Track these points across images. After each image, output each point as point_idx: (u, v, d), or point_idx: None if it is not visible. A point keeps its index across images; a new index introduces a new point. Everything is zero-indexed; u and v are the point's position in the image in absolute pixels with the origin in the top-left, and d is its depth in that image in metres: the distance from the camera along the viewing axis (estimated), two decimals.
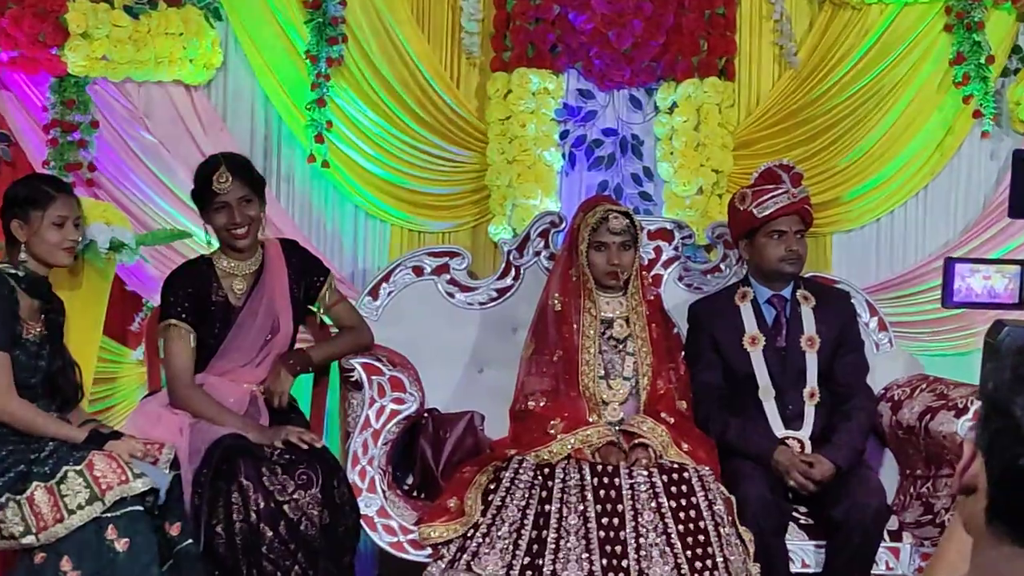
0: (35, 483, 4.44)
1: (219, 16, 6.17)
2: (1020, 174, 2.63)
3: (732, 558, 4.83)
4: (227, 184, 4.98)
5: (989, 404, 1.76)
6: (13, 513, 4.42)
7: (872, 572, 5.13)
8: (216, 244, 5.17)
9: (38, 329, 4.73)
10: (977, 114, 6.44)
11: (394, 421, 5.14)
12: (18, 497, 4.43)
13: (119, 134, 6.17)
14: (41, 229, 4.70)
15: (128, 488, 4.47)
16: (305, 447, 4.74)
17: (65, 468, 4.45)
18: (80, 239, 4.88)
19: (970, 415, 5.09)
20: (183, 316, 5.00)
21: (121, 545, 4.43)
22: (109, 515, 4.44)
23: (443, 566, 4.87)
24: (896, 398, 5.59)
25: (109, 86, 6.11)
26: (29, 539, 4.40)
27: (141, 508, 4.49)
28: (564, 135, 6.41)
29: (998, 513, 1.75)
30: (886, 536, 5.14)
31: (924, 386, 5.54)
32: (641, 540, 4.80)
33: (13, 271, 4.69)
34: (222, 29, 6.22)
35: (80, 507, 4.40)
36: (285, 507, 4.60)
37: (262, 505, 4.55)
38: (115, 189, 6.14)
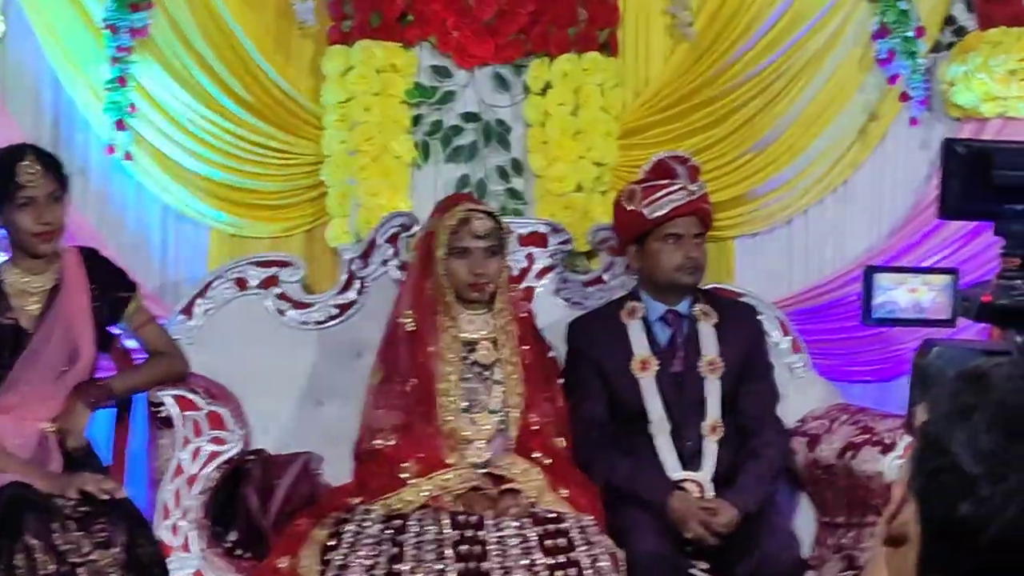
0: None
1: None
2: (951, 166, 2.63)
3: None
4: (36, 176, 4.89)
5: (923, 440, 1.76)
6: None
7: None
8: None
9: None
10: (904, 97, 6.53)
11: (213, 465, 5.12)
12: None
13: None
14: None
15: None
16: (104, 498, 4.65)
17: None
18: None
19: (899, 452, 5.13)
20: None
21: None
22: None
23: None
24: (813, 432, 5.66)
25: None
26: None
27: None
28: (416, 121, 6.41)
29: (932, 568, 1.75)
30: None
31: (845, 418, 5.63)
32: None
33: None
34: None
35: None
36: (80, 570, 4.51)
37: (52, 569, 4.46)
38: None
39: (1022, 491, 1.81)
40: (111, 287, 5.19)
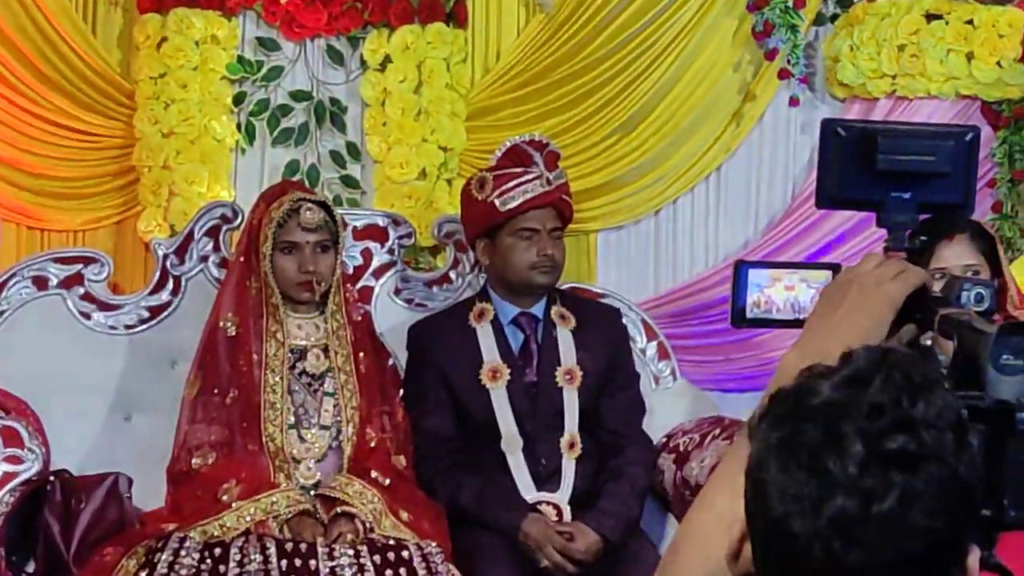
0: None
1: None
2: (831, 151, 2.65)
3: None
4: None
5: (746, 479, 1.84)
6: None
7: None
8: None
9: None
10: (784, 74, 6.57)
11: (7, 488, 5.05)
12: None
13: None
14: None
15: None
16: None
17: None
18: None
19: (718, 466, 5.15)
20: None
21: None
22: None
23: None
24: (682, 448, 5.67)
25: None
26: None
27: None
28: (239, 99, 6.40)
29: None
30: None
31: (718, 432, 5.63)
32: None
33: None
34: None
35: None
36: None
37: None
38: None
39: (828, 530, 1.91)
40: None
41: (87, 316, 5.81)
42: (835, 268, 2.89)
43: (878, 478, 1.74)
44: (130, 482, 5.39)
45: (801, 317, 2.89)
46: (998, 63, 6.52)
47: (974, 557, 1.84)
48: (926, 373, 1.83)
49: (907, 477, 1.73)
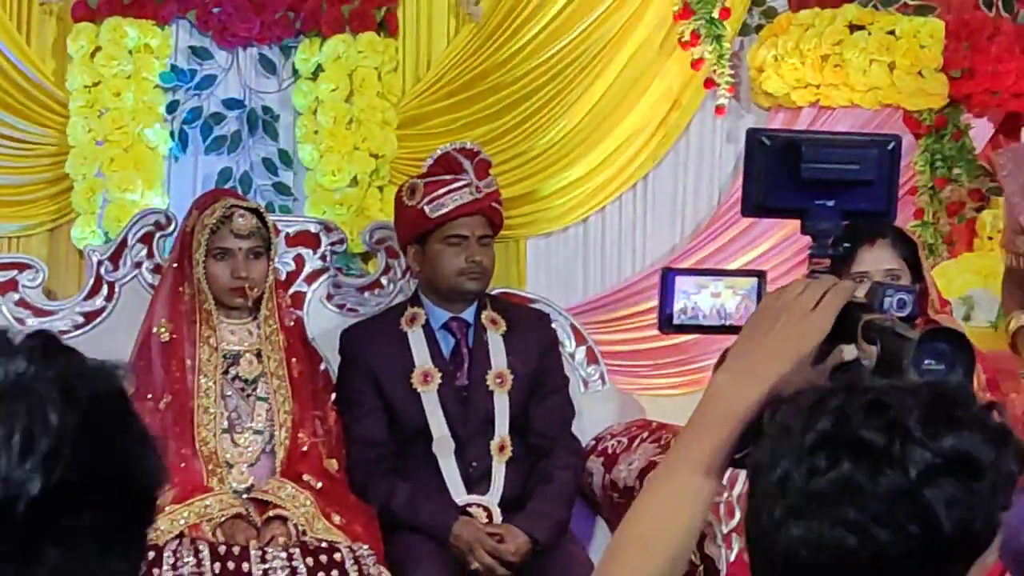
0: None
1: None
2: (755, 159, 2.66)
3: None
4: None
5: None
6: None
7: None
8: None
9: None
10: (710, 83, 6.62)
11: None
12: None
13: None
14: None
15: None
16: None
17: None
18: None
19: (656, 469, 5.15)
20: None
21: None
22: None
23: None
24: (611, 451, 5.68)
25: None
26: None
27: None
28: (172, 107, 6.39)
29: None
30: None
31: (646, 435, 5.65)
32: None
33: None
34: None
35: None
36: None
37: None
38: None
39: (775, 490, 1.88)
40: None
41: (21, 322, 5.76)
42: (760, 275, 2.89)
43: (828, 457, 1.76)
44: None
45: (727, 323, 2.90)
46: (919, 73, 6.59)
47: None
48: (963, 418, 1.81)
49: (855, 468, 1.76)
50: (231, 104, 6.42)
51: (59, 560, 1.47)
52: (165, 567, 4.84)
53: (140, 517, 1.55)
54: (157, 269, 5.76)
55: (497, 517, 5.28)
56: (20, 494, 1.43)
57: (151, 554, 4.85)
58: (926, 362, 2.23)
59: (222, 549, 4.92)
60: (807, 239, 2.58)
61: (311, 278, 5.97)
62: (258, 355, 5.33)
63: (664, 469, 2.28)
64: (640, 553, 2.19)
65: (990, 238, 6.43)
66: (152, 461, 1.55)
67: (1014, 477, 1.81)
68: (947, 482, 1.75)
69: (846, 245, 2.58)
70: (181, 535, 4.95)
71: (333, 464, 5.29)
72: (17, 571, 1.47)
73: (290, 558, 4.91)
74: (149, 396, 5.23)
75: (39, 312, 5.79)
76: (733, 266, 6.02)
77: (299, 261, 5.95)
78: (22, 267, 5.84)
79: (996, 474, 1.78)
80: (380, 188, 6.35)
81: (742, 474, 3.38)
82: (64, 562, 1.48)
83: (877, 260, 4.53)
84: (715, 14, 6.53)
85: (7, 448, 1.43)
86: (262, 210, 5.49)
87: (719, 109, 6.65)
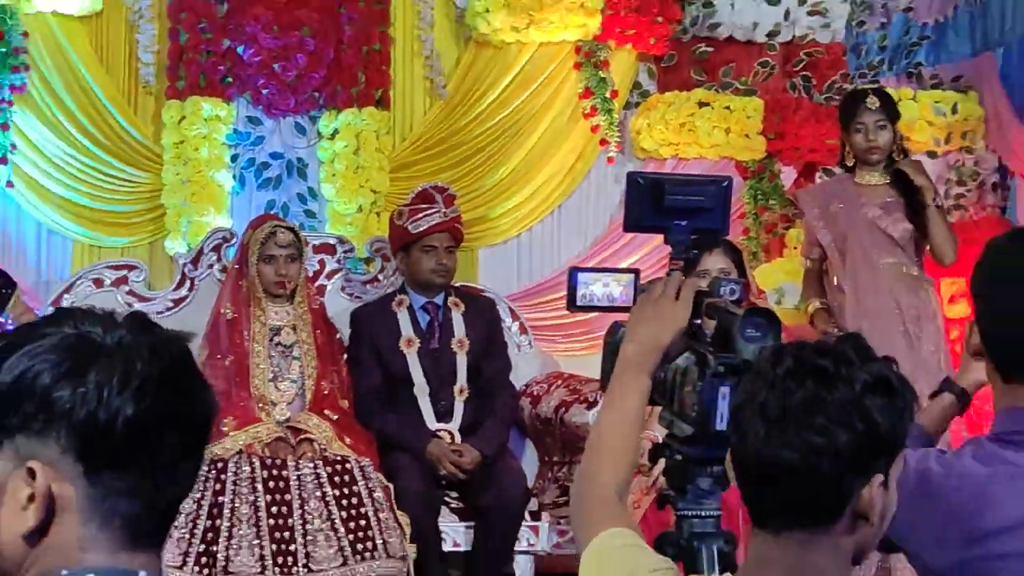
0: None
1: None
2: (632, 193, 2.67)
3: (391, 540, 4.86)
4: None
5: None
6: None
7: (515, 548, 5.22)
8: None
9: None
10: (603, 142, 6.58)
11: None
12: None
13: None
14: None
15: None
16: None
17: None
18: None
19: (599, 407, 5.16)
20: None
21: None
22: None
23: None
24: (535, 393, 5.70)
25: None
26: None
27: None
28: (235, 158, 6.33)
29: (745, 499, 1.87)
30: (527, 516, 5.23)
31: (559, 383, 5.67)
32: (308, 526, 4.82)
33: None
34: None
35: None
36: None
37: None
38: None
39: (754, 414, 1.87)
40: None
41: (130, 306, 5.68)
42: (636, 272, 2.88)
43: (796, 381, 1.76)
44: None
45: (615, 305, 2.88)
46: (746, 135, 6.58)
47: (877, 485, 1.82)
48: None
49: (819, 387, 1.76)
50: (275, 156, 6.37)
51: (148, 463, 1.46)
52: (229, 473, 4.87)
53: (201, 437, 1.53)
54: (224, 269, 5.76)
55: (458, 439, 5.30)
56: (118, 415, 1.42)
57: (219, 464, 4.87)
58: (748, 331, 2.23)
59: (268, 461, 4.94)
60: (668, 248, 2.57)
61: (330, 275, 5.96)
62: (293, 328, 5.35)
63: (607, 406, 2.33)
64: (616, 450, 2.27)
65: (795, 248, 6.42)
66: (208, 398, 1.54)
67: (911, 400, 1.82)
68: (878, 394, 1.77)
69: (694, 252, 2.57)
70: (240, 452, 4.96)
71: (345, 404, 5.30)
72: (116, 474, 1.45)
73: (316, 467, 4.95)
74: (218, 356, 5.27)
75: (142, 299, 5.77)
76: (619, 266, 5.99)
77: (322, 263, 5.94)
78: (131, 268, 5.87)
79: (903, 394, 1.80)
80: (378, 214, 6.28)
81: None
82: (151, 466, 1.46)
83: (715, 262, 4.51)
84: (607, 95, 6.51)
85: (109, 385, 1.42)
86: (296, 228, 5.50)
87: (610, 159, 6.58)
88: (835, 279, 5.59)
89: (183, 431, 1.50)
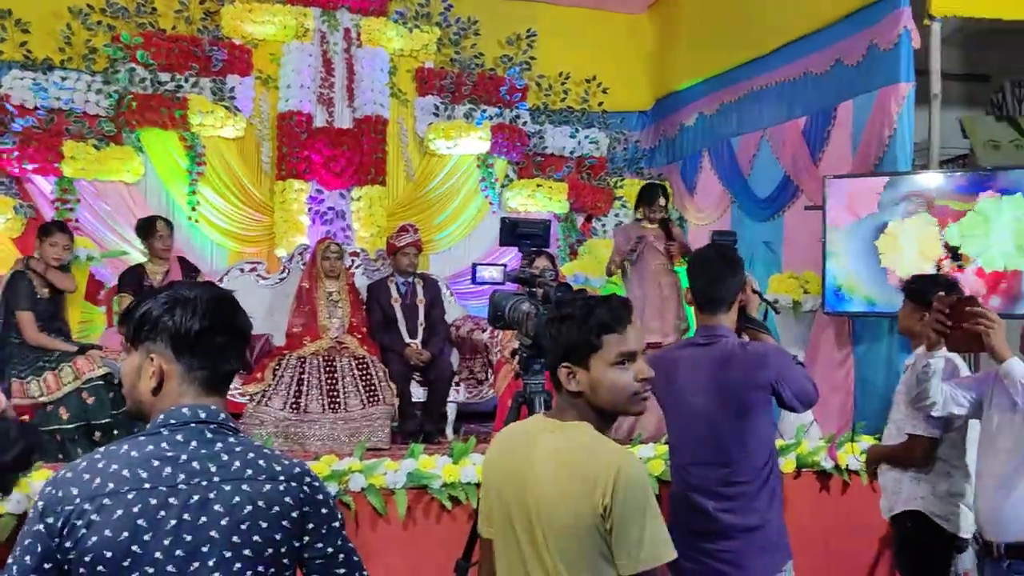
0: (47, 371, 4.11)
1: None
2: (504, 228, 2.68)
3: (386, 395, 4.75)
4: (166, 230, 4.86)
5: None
6: (35, 385, 4.08)
7: (447, 400, 5.10)
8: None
9: (47, 297, 4.39)
10: (490, 203, 6.54)
11: None
12: (38, 377, 4.09)
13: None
14: (45, 247, 4.36)
15: (94, 372, 4.19)
16: None
17: (62, 364, 4.14)
18: (67, 256, 4.53)
19: (489, 331, 5.15)
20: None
21: (91, 401, 4.15)
22: (84, 386, 4.15)
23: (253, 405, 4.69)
24: (457, 325, 5.51)
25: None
26: (43, 398, 4.07)
27: (102, 382, 4.22)
28: (309, 209, 6.18)
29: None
30: (453, 384, 5.21)
31: (471, 322, 5.51)
32: (346, 388, 4.70)
33: (32, 269, 4.33)
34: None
35: (68, 382, 4.09)
36: None
37: None
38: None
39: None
40: (190, 274, 5.00)
41: (257, 281, 5.63)
42: (504, 265, 2.93)
43: (563, 311, 1.65)
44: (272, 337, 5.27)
45: (496, 282, 2.91)
46: (559, 200, 6.60)
47: (565, 371, 1.64)
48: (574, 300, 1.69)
49: (563, 309, 1.66)
50: (330, 208, 6.25)
51: (210, 351, 1.39)
52: (307, 363, 4.78)
53: (242, 338, 1.44)
54: (303, 264, 5.62)
55: (420, 346, 5.16)
56: (191, 327, 1.38)
57: (302, 359, 4.76)
58: (558, 294, 2.27)
59: (326, 356, 4.84)
60: (521, 254, 2.62)
61: (357, 266, 5.82)
62: (339, 292, 5.23)
63: None
64: None
65: (585, 255, 6.44)
66: (244, 319, 1.44)
67: (594, 323, 1.63)
68: (572, 320, 1.65)
69: (533, 257, 2.61)
70: (314, 352, 4.87)
71: (364, 330, 5.17)
72: (194, 358, 1.38)
73: (350, 360, 4.83)
74: (301, 306, 5.17)
75: (263, 278, 5.65)
76: (496, 262, 6.03)
77: (353, 261, 5.81)
78: (257, 263, 5.76)
79: (581, 318, 1.64)
80: (383, 238, 6.14)
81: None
82: (211, 353, 1.39)
83: (542, 262, 4.44)
84: (493, 178, 6.51)
85: (186, 314, 1.37)
86: (340, 244, 5.42)
87: (494, 213, 6.54)
88: (630, 272, 5.14)
89: (229, 335, 1.41)
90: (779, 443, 3.63)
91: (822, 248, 4.45)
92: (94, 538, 1.27)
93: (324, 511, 1.41)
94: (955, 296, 2.33)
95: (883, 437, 2.90)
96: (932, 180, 4.15)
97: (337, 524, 1.42)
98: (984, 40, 5.88)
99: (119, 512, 1.28)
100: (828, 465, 3.67)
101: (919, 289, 2.72)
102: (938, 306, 2.31)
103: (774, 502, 2.27)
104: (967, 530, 2.65)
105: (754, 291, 2.42)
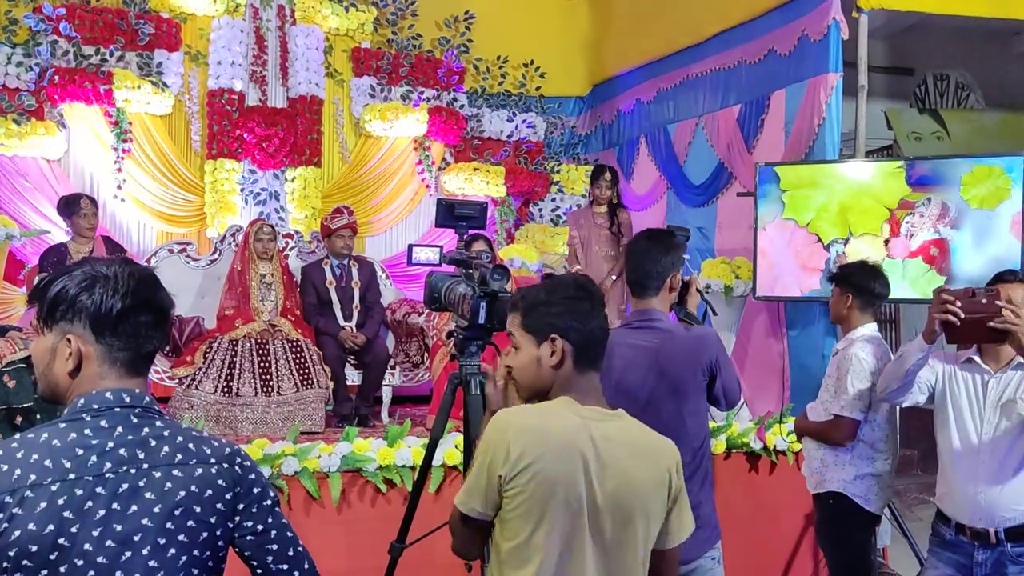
0: None
1: None
2: (440, 210, 2.63)
3: (320, 379, 4.74)
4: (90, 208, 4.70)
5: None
6: None
7: (382, 383, 5.13)
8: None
9: None
10: (427, 186, 6.52)
11: None
12: None
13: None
14: None
15: (15, 355, 4.00)
16: None
17: None
18: None
19: (425, 315, 5.16)
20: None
21: (12, 385, 3.96)
22: (5, 369, 3.97)
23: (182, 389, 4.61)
24: (393, 308, 5.50)
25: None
26: None
27: (24, 365, 4.04)
28: (241, 189, 6.08)
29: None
30: (388, 367, 5.21)
31: (406, 305, 5.52)
32: (279, 372, 4.66)
33: None
34: None
35: None
36: None
37: None
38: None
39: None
40: (115, 253, 4.84)
41: (187, 264, 5.48)
42: (440, 247, 2.91)
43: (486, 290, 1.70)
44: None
45: (430, 264, 2.88)
46: (496, 184, 6.61)
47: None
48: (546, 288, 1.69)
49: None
50: (263, 189, 6.14)
51: (132, 331, 1.36)
52: (239, 347, 4.70)
53: (163, 317, 1.41)
54: (235, 245, 5.50)
55: (355, 330, 5.13)
56: (113, 307, 1.34)
57: (234, 342, 4.70)
58: (494, 276, 2.25)
59: (259, 342, 4.77)
60: (456, 236, 2.59)
61: (291, 248, 5.72)
62: (272, 274, 5.15)
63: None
64: None
65: (524, 239, 6.48)
66: (165, 297, 1.41)
67: (519, 301, 1.69)
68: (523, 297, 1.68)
69: (468, 239, 2.58)
70: (245, 335, 4.79)
71: (297, 312, 5.12)
72: (115, 338, 1.36)
73: (283, 346, 4.78)
74: (233, 288, 5.08)
75: (193, 260, 5.51)
76: (432, 243, 6.02)
77: (287, 243, 5.71)
78: (187, 244, 5.59)
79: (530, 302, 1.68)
80: (316, 219, 6.12)
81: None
82: (133, 333, 1.36)
83: (480, 246, 4.49)
84: (429, 164, 6.48)
85: (106, 292, 1.34)
86: (273, 225, 5.33)
87: (431, 196, 6.51)
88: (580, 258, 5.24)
89: (151, 313, 1.38)
90: (711, 424, 3.68)
91: (754, 234, 4.53)
92: (17, 532, 1.22)
93: (256, 490, 1.40)
94: (968, 288, 2.25)
95: (809, 413, 2.93)
96: (858, 170, 4.27)
97: (269, 502, 1.41)
98: (909, 34, 6.06)
99: (43, 504, 1.24)
100: (757, 446, 3.72)
101: (845, 275, 2.78)
102: (945, 297, 2.24)
103: (706, 483, 2.30)
104: (881, 508, 2.74)
105: (698, 290, 2.44)
